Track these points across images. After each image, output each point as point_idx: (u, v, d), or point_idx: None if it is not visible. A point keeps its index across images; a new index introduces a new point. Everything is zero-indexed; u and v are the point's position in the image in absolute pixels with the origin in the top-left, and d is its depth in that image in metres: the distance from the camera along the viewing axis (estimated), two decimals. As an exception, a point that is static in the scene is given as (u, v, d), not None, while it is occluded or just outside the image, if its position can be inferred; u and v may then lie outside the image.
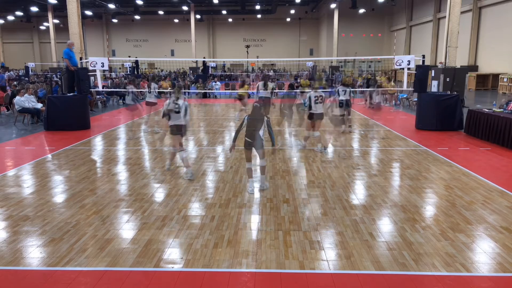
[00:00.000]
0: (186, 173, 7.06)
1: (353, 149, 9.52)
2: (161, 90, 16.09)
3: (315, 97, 8.68)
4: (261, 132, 6.07)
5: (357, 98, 20.13)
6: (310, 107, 8.77)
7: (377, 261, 4.08)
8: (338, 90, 11.70)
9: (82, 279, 3.79)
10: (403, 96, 18.47)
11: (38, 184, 6.73)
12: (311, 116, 8.85)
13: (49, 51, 46.87)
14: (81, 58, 14.13)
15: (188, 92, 25.53)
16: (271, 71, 34.77)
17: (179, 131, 7.07)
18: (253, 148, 6.17)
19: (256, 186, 6.41)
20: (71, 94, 12.44)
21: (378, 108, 15.65)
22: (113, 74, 29.28)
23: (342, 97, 11.59)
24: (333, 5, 41.38)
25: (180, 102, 6.99)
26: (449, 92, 12.89)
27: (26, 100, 13.18)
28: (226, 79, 37.61)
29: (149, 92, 11.80)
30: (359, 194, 6.24)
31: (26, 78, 28.33)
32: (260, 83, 11.41)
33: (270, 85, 11.26)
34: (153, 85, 11.85)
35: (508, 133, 9.13)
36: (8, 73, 33.69)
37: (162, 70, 39.78)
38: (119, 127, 12.89)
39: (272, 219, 5.18)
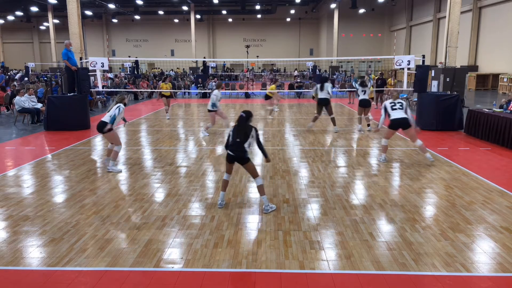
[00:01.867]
0: (110, 165, 7.50)
1: (353, 149, 9.51)
2: (160, 90, 15.25)
3: (391, 103, 7.91)
4: (246, 145, 5.37)
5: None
6: (388, 115, 7.91)
7: (377, 261, 4.08)
8: (357, 90, 11.75)
9: (82, 279, 3.79)
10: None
11: (38, 184, 6.73)
12: (391, 124, 7.91)
13: (49, 51, 46.89)
14: (81, 58, 14.13)
15: (189, 92, 25.55)
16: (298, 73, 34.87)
17: (98, 127, 7.35)
18: (236, 163, 5.51)
19: (222, 201, 5.66)
20: (71, 94, 12.44)
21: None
22: (110, 75, 29.14)
23: (362, 97, 11.58)
24: (333, 5, 41.39)
25: (116, 105, 7.43)
26: (449, 92, 12.89)
27: (26, 100, 13.18)
28: (226, 79, 37.65)
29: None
30: (359, 194, 6.24)
31: (26, 78, 28.34)
32: (318, 85, 11.59)
33: (328, 86, 11.37)
34: (215, 92, 10.85)
35: (508, 133, 9.13)
36: (13, 73, 33.75)
37: (171, 70, 39.54)
38: (118, 127, 12.88)
39: (272, 219, 5.18)
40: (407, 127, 7.80)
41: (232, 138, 5.46)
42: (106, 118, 7.32)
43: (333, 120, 11.62)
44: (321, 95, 11.44)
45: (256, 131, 5.49)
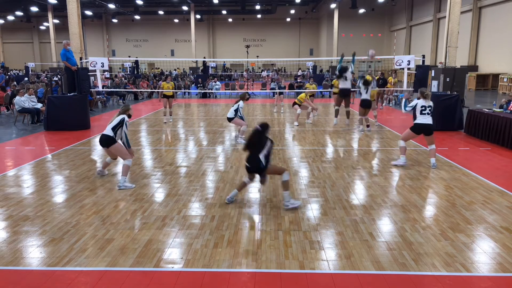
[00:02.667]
0: (122, 182, 6.49)
1: (353, 149, 9.51)
2: (161, 90, 13.68)
3: (422, 106, 7.54)
4: (261, 156, 5.38)
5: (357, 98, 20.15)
6: (414, 116, 7.82)
7: (377, 261, 4.08)
8: (360, 89, 11.59)
9: (82, 279, 3.79)
10: (402, 96, 18.48)
11: (38, 184, 6.73)
12: (414, 128, 7.69)
13: (49, 51, 46.91)
14: (81, 58, 14.13)
15: (189, 92, 25.55)
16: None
17: (101, 141, 6.64)
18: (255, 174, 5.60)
19: (231, 198, 5.78)
20: (71, 94, 12.45)
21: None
22: (107, 74, 28.89)
23: (363, 97, 11.47)
24: (333, 5, 41.39)
25: (119, 118, 6.59)
26: (449, 92, 12.89)
27: (26, 100, 13.18)
28: (226, 79, 37.66)
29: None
30: (359, 194, 6.23)
31: (26, 78, 28.34)
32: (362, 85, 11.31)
33: (349, 74, 11.15)
34: (241, 103, 10.12)
35: (508, 133, 9.13)
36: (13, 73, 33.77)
37: (176, 69, 39.16)
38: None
39: (272, 219, 5.18)
40: (430, 133, 7.56)
41: (247, 150, 5.56)
42: (109, 131, 6.51)
43: (348, 113, 11.32)
44: (343, 84, 11.11)
45: (272, 143, 5.52)
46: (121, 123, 6.56)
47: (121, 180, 6.52)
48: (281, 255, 4.22)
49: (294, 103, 13.16)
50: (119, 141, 6.63)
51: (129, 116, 6.76)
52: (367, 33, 46.29)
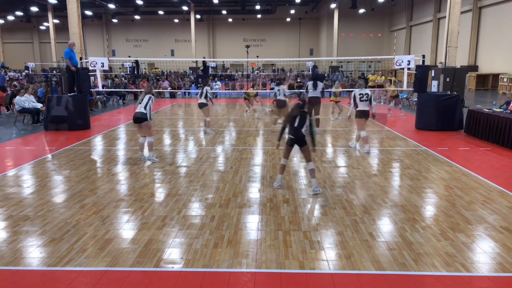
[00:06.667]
0: (151, 156, 8.13)
1: (353, 149, 9.51)
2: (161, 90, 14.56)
3: (360, 94, 8.75)
4: (303, 130, 6.10)
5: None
6: (356, 105, 8.84)
7: (377, 261, 4.08)
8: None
9: (82, 279, 3.79)
10: (403, 96, 18.47)
11: (38, 184, 6.73)
12: (358, 114, 8.87)
13: (49, 51, 46.87)
14: (81, 58, 14.13)
15: (189, 92, 25.53)
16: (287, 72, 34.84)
17: (136, 120, 7.94)
18: (295, 146, 6.22)
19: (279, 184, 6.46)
20: (71, 94, 12.44)
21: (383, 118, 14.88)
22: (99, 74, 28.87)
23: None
24: (333, 5, 41.36)
25: (147, 97, 7.94)
26: (449, 92, 12.89)
27: (26, 100, 13.18)
28: (226, 79, 37.64)
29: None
30: (359, 194, 6.23)
31: (26, 78, 28.34)
32: (310, 83, 10.98)
33: (320, 84, 11.00)
34: (282, 87, 11.68)
35: (508, 133, 9.13)
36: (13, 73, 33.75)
37: (184, 71, 39.12)
38: (119, 127, 12.89)
39: (272, 219, 5.18)
40: (367, 117, 8.82)
41: (290, 125, 6.17)
42: (142, 109, 7.77)
43: (317, 121, 11.03)
44: (312, 93, 10.74)
45: (311, 118, 6.25)
46: (149, 100, 7.89)
47: (150, 155, 8.14)
48: (281, 255, 4.22)
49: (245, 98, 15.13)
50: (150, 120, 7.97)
51: (154, 95, 8.18)
52: (367, 33, 46.27)
